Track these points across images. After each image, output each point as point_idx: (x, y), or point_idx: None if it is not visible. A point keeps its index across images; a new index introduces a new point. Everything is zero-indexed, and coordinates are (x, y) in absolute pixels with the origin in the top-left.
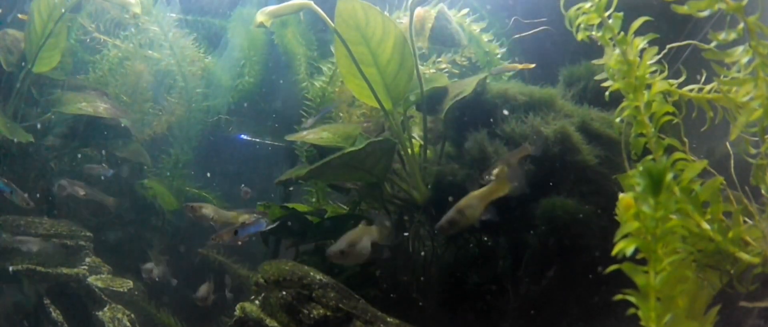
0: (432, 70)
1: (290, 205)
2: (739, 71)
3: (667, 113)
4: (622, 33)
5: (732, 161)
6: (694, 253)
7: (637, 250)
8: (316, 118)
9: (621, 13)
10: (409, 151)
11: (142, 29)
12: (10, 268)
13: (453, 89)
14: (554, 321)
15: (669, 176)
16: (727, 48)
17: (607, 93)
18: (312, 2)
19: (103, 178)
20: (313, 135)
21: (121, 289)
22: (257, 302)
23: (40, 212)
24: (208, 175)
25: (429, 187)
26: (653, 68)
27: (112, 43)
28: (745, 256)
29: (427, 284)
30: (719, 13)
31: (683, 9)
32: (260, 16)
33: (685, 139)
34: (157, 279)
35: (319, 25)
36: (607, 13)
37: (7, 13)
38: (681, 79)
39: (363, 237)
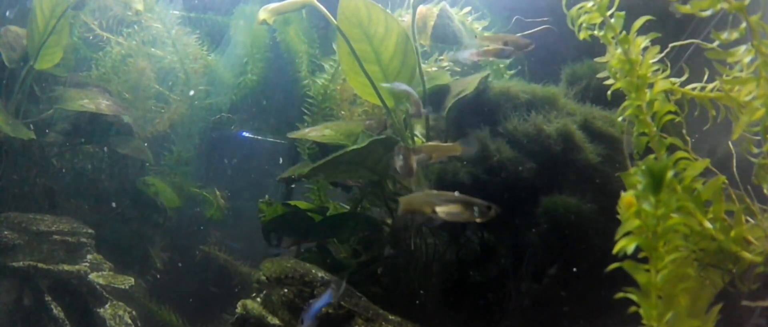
0: (434, 68)
1: (292, 203)
2: (741, 70)
3: (669, 112)
4: (624, 32)
5: (734, 160)
6: (695, 251)
7: (638, 249)
8: None
9: (623, 13)
10: None
11: (144, 26)
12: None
13: (455, 87)
14: (556, 319)
15: (670, 174)
16: (730, 47)
17: (609, 92)
18: None
19: None
20: (315, 132)
21: (123, 286)
22: (259, 300)
23: (42, 209)
24: (210, 172)
25: (431, 184)
26: (655, 67)
27: (114, 40)
28: (747, 255)
29: (429, 282)
30: (721, 13)
31: (685, 8)
32: (263, 14)
33: (688, 138)
34: None
35: (321, 23)
36: (609, 13)
37: (9, 9)
38: (683, 78)
39: None
